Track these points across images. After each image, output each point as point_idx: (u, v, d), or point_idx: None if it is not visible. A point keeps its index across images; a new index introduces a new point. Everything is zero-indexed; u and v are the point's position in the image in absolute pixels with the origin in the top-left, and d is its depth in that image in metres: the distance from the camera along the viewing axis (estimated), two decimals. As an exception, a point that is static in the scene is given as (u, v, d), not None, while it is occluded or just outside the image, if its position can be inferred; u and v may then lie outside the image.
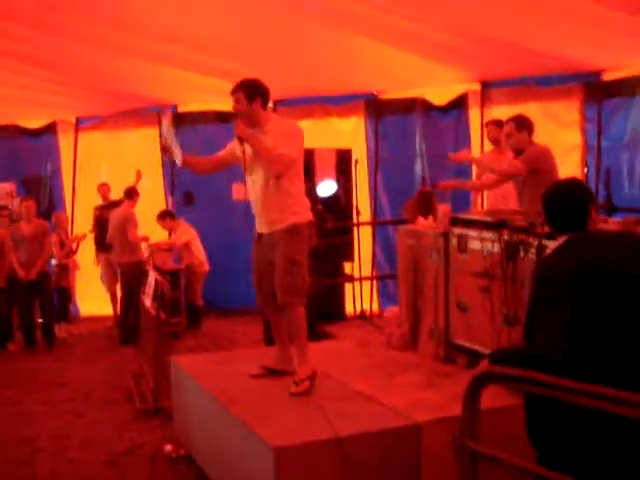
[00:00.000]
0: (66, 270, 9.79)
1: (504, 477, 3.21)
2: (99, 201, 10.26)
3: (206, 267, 9.76)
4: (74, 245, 10.03)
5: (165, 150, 4.86)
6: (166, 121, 4.92)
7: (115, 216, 9.38)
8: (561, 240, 3.23)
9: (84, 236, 10.17)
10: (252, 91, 4.68)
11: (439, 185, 6.38)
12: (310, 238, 4.83)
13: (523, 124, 5.69)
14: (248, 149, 4.65)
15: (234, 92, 4.72)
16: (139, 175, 9.74)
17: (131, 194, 9.33)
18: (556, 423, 2.98)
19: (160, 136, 4.92)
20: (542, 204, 3.35)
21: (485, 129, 7.59)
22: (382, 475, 3.81)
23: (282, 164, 4.61)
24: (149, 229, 9.85)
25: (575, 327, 2.94)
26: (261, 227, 4.86)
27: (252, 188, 4.79)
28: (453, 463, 3.24)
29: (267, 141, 4.62)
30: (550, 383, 2.61)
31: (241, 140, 4.64)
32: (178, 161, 4.80)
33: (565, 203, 3.27)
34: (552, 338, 2.97)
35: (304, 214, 4.80)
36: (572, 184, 3.44)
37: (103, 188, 10.20)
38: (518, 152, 5.71)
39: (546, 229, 4.35)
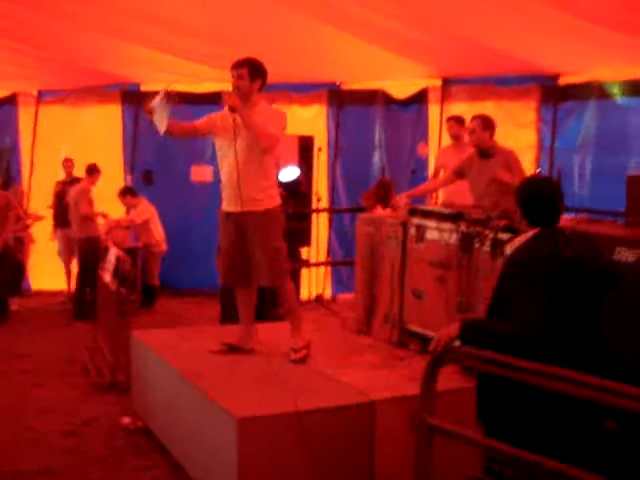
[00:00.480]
0: (22, 243, 9.76)
1: (456, 455, 3.44)
2: (60, 176, 10.21)
3: (164, 247, 9.81)
4: (29, 221, 10.01)
5: (150, 112, 4.76)
6: (168, 90, 4.79)
7: (73, 191, 9.39)
8: (532, 233, 3.45)
9: (41, 217, 10.13)
10: (255, 71, 4.80)
11: (401, 200, 6.33)
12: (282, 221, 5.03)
13: (488, 124, 5.96)
14: (238, 120, 4.68)
15: (238, 66, 4.78)
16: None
17: (92, 171, 9.35)
18: (506, 400, 3.20)
19: (152, 98, 4.79)
20: (520, 196, 3.55)
21: (445, 125, 7.80)
22: (338, 447, 3.99)
23: (271, 141, 4.75)
24: (107, 206, 9.86)
25: (547, 313, 3.17)
26: (233, 204, 4.85)
27: (232, 160, 4.72)
28: (404, 438, 3.46)
29: (258, 119, 4.72)
30: (504, 362, 2.83)
31: (233, 110, 4.67)
32: (161, 129, 4.75)
33: (547, 199, 3.48)
34: (527, 320, 3.19)
35: (277, 198, 4.97)
36: (552, 182, 3.72)
37: (67, 164, 10.11)
38: (480, 149, 5.95)
39: (502, 222, 4.62)
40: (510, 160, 5.91)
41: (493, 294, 3.46)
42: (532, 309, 3.17)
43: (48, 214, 10.18)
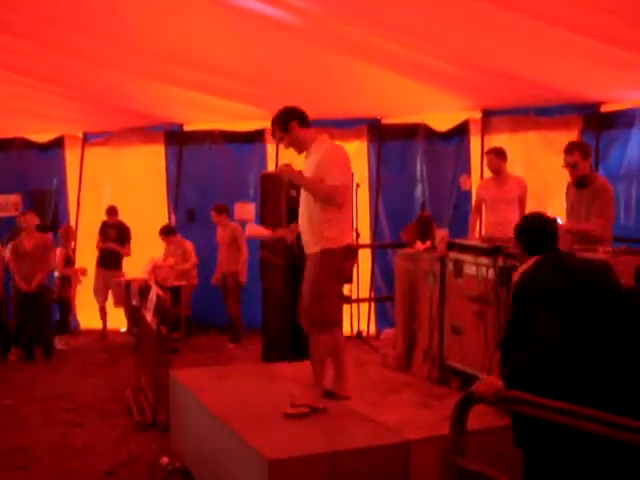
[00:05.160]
0: (68, 282, 9.89)
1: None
2: (102, 217, 10.32)
3: (195, 281, 9.95)
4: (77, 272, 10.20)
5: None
6: None
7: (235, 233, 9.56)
8: (533, 261, 3.65)
9: (85, 272, 10.29)
10: (284, 120, 4.76)
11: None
12: (344, 262, 4.80)
13: (587, 151, 5.91)
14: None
15: (273, 133, 4.89)
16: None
17: None
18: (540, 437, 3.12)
19: None
20: (519, 234, 3.87)
21: (485, 158, 7.70)
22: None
23: (331, 197, 4.64)
24: (151, 244, 10.04)
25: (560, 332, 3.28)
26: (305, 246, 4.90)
27: (300, 211, 4.92)
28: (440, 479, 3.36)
29: (312, 170, 4.73)
30: (533, 402, 2.74)
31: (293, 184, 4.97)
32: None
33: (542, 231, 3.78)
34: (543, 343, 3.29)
35: (338, 239, 4.72)
36: (543, 216, 3.95)
37: (112, 214, 10.23)
38: (580, 179, 5.87)
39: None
40: (599, 191, 5.81)
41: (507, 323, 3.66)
42: (545, 330, 3.29)
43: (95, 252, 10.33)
